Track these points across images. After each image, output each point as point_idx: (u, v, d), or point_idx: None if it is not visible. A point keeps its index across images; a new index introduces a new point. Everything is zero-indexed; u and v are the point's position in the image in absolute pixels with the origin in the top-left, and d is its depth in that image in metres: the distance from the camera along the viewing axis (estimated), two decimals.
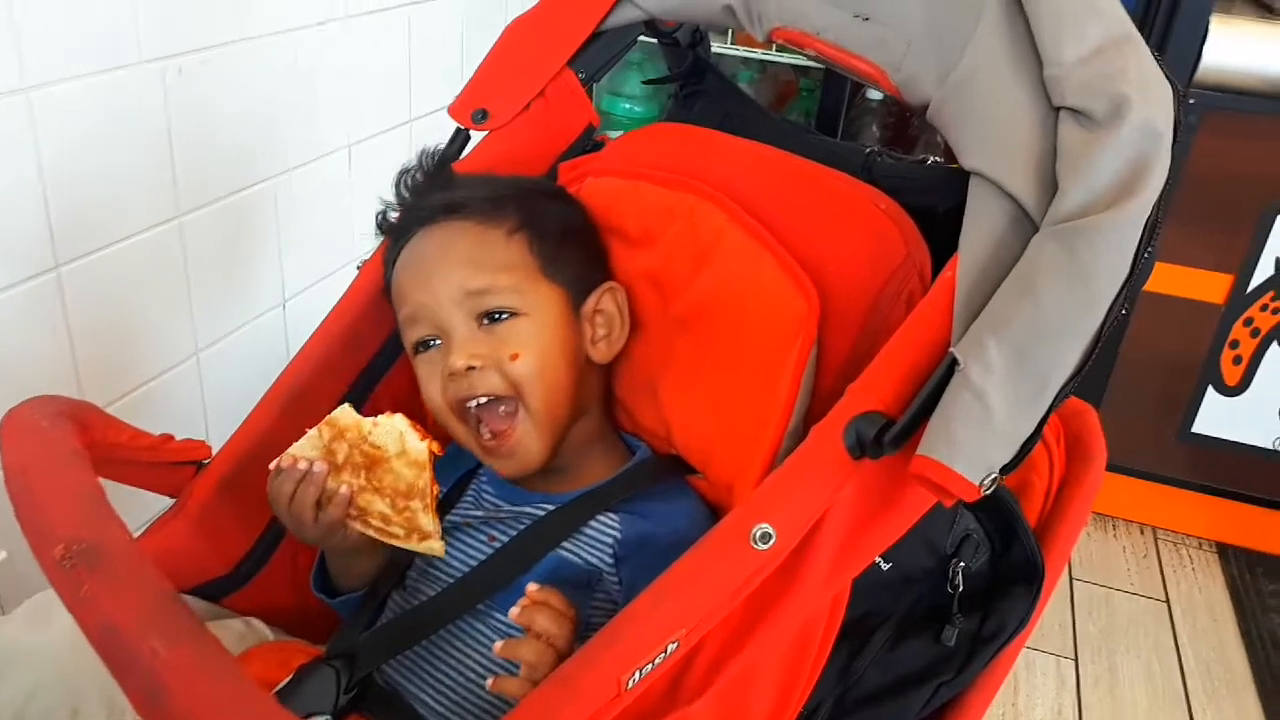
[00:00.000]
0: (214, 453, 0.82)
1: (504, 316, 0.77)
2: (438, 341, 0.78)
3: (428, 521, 0.74)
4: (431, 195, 0.82)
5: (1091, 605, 1.79)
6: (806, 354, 0.70)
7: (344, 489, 0.74)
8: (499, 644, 0.65)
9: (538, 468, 0.79)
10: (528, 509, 0.79)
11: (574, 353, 0.80)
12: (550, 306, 0.79)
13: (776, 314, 0.72)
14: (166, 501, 0.81)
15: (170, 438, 0.79)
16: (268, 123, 1.27)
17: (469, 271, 0.77)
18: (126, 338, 1.13)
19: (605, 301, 0.82)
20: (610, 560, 0.75)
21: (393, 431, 0.73)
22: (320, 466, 0.74)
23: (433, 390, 0.78)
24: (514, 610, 0.66)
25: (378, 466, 0.74)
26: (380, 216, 0.85)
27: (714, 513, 0.79)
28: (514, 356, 0.76)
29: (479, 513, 0.82)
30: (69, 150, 0.99)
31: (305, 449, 0.74)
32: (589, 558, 0.75)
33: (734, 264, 0.77)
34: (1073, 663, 1.66)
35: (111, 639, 0.49)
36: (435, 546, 0.75)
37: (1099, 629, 1.74)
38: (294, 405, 0.84)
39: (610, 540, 0.76)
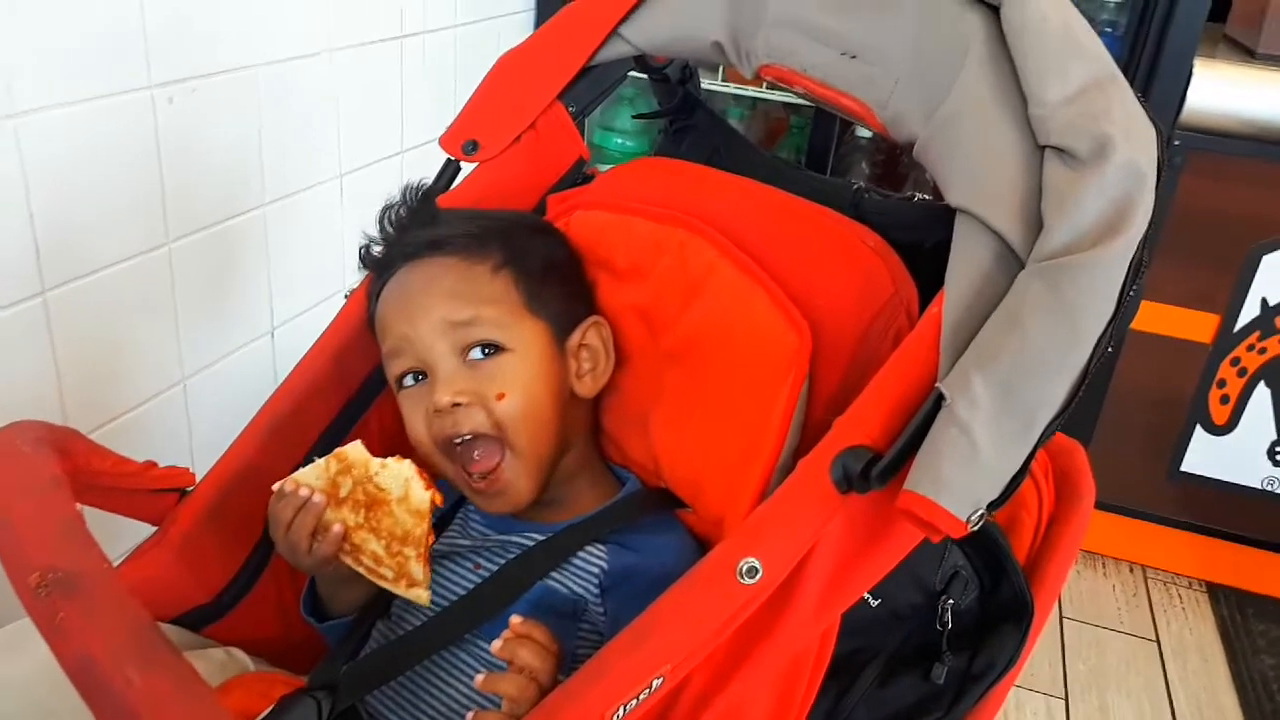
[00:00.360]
0: (198, 480, 0.81)
1: (489, 352, 0.77)
2: (422, 377, 0.78)
3: (418, 570, 0.73)
4: (416, 231, 0.82)
5: (1081, 644, 1.78)
6: (798, 388, 0.70)
7: (337, 526, 0.73)
8: (480, 677, 0.65)
9: (526, 505, 0.78)
10: (515, 538, 0.79)
11: (559, 388, 0.80)
12: (535, 341, 0.79)
13: (768, 348, 0.72)
14: (148, 530, 0.81)
15: (153, 464, 0.79)
16: (258, 152, 1.27)
17: (454, 304, 0.77)
18: (112, 363, 1.12)
19: (590, 336, 0.82)
20: (596, 591, 0.75)
21: (399, 477, 0.73)
22: (319, 498, 0.73)
23: (417, 426, 0.78)
24: (496, 643, 0.65)
25: (378, 508, 0.73)
26: (364, 250, 0.85)
27: (702, 547, 0.79)
28: (500, 396, 0.76)
29: (466, 541, 0.81)
30: (57, 176, 0.99)
31: (309, 477, 0.74)
32: (575, 587, 0.75)
33: (725, 298, 0.77)
34: (1063, 702, 1.65)
35: (86, 668, 0.48)
36: (422, 595, 0.74)
37: (1089, 668, 1.73)
38: (279, 434, 0.84)
39: (597, 570, 0.76)
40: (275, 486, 0.75)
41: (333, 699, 0.68)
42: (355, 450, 0.73)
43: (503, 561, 0.77)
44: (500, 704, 0.65)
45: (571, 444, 0.82)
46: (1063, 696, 1.66)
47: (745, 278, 0.75)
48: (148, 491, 0.79)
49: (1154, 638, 1.81)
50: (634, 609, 0.69)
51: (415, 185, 0.87)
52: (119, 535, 0.84)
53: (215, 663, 0.79)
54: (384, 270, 0.82)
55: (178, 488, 0.80)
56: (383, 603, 0.80)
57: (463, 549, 0.81)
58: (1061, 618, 1.84)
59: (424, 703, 0.74)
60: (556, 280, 0.82)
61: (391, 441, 0.93)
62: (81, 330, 1.06)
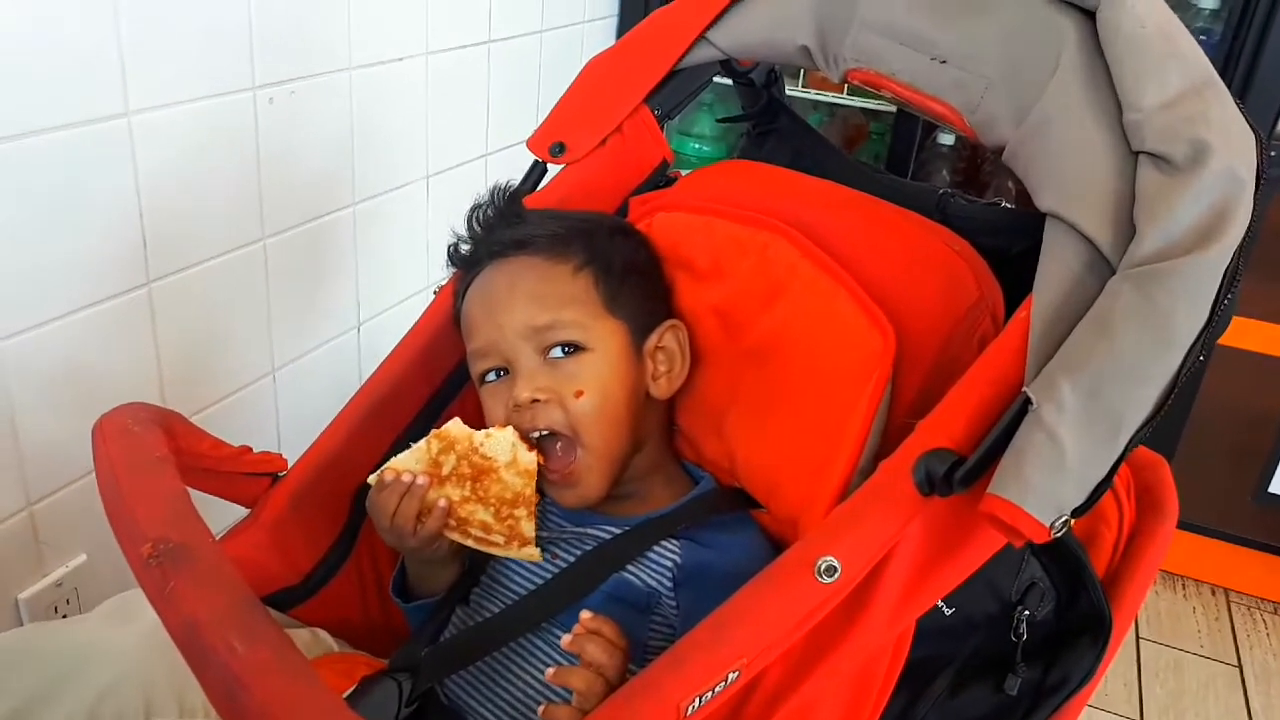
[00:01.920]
0: (290, 466, 0.84)
1: (569, 351, 0.79)
2: (504, 373, 0.80)
3: (529, 528, 0.77)
4: (501, 230, 0.84)
5: (1159, 667, 1.73)
6: (881, 391, 0.70)
7: (442, 502, 0.76)
8: (550, 671, 0.66)
9: (597, 500, 0.80)
10: (590, 530, 0.81)
11: (635, 388, 0.81)
12: (613, 342, 0.80)
13: (851, 350, 0.72)
14: (232, 515, 0.84)
15: (248, 449, 0.82)
16: (350, 152, 1.31)
17: (535, 308, 0.79)
18: (208, 353, 1.17)
19: (667, 338, 0.83)
20: (669, 584, 0.76)
21: (504, 442, 0.76)
22: (423, 480, 0.76)
23: (497, 419, 0.80)
24: (566, 638, 0.66)
25: (485, 476, 0.76)
26: (452, 248, 0.87)
27: (776, 547, 0.79)
28: (578, 394, 0.77)
29: (544, 533, 0.83)
30: (165, 172, 1.04)
31: (408, 462, 0.77)
32: (649, 580, 0.76)
33: (807, 300, 0.77)
34: None
35: (193, 635, 0.50)
36: (534, 553, 0.78)
37: (1167, 692, 1.68)
38: (368, 424, 0.86)
39: (670, 564, 0.77)
40: (372, 478, 0.78)
41: (413, 681, 0.71)
42: (456, 427, 0.77)
43: (578, 553, 0.79)
44: (571, 697, 0.66)
45: (645, 442, 0.83)
46: (1138, 718, 1.62)
47: (828, 279, 0.76)
48: (242, 475, 0.82)
49: (1236, 663, 1.76)
50: (706, 604, 0.71)
51: (503, 186, 0.89)
52: (209, 518, 0.88)
53: (301, 642, 0.82)
54: (470, 268, 0.85)
55: (271, 472, 0.83)
56: (464, 589, 0.82)
57: (540, 540, 0.83)
58: (1139, 639, 1.79)
59: (500, 688, 0.76)
60: (636, 282, 0.83)
61: None
62: (181, 320, 1.11)
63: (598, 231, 0.84)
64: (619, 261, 0.83)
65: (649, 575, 0.76)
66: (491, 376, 0.81)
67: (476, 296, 0.82)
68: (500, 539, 0.77)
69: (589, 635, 0.66)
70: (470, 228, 0.87)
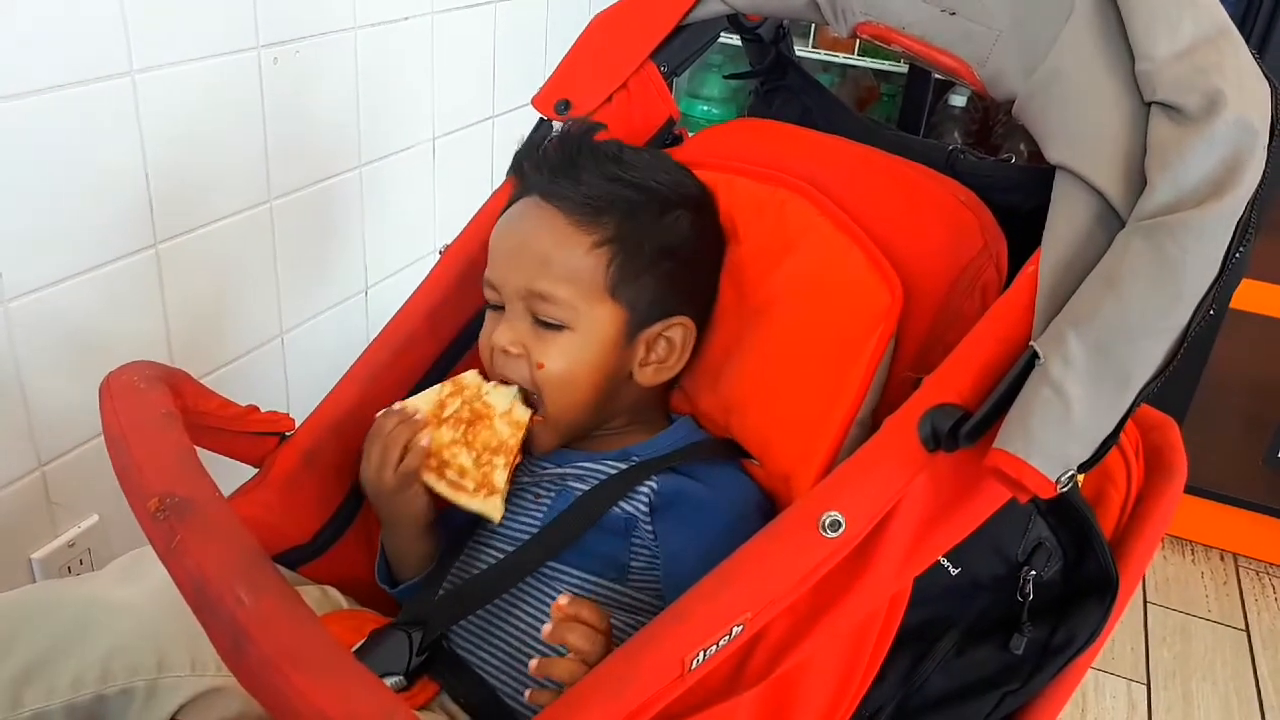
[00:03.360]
0: (298, 425, 0.85)
1: (553, 325, 0.79)
2: (501, 307, 0.82)
3: (501, 478, 0.78)
4: (555, 167, 0.81)
5: (1166, 631, 1.74)
6: (885, 345, 0.70)
7: (425, 439, 0.79)
8: (534, 662, 0.66)
9: (547, 451, 0.83)
10: (569, 469, 0.82)
11: (611, 372, 0.81)
12: (601, 327, 0.80)
13: (858, 304, 0.72)
14: (239, 475, 0.84)
15: (256, 409, 0.82)
16: (356, 114, 1.30)
17: (538, 272, 0.78)
18: (216, 315, 1.17)
19: (673, 332, 0.83)
20: (645, 510, 0.77)
21: (507, 394, 0.80)
22: (423, 413, 0.79)
23: (484, 341, 0.83)
24: (546, 628, 0.66)
25: (479, 421, 0.79)
26: (516, 161, 0.86)
27: (765, 494, 0.80)
28: (539, 365, 0.79)
29: (526, 478, 0.84)
30: (170, 133, 1.04)
31: (420, 402, 0.80)
32: (625, 508, 0.78)
33: (819, 255, 0.77)
34: (1144, 688, 1.61)
35: (200, 588, 0.51)
36: (496, 504, 0.79)
37: (1173, 655, 1.69)
38: (375, 383, 0.87)
39: (646, 492, 0.78)
40: (380, 413, 0.80)
41: (422, 631, 0.71)
42: (471, 375, 0.81)
43: (558, 490, 0.81)
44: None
45: (618, 412, 0.84)
46: (1145, 682, 1.62)
47: (842, 235, 0.75)
48: (250, 434, 0.82)
49: (1244, 627, 1.76)
50: (682, 526, 0.75)
51: (580, 120, 0.88)
52: (216, 478, 0.88)
53: (311, 599, 0.82)
54: (520, 187, 0.84)
55: (278, 431, 0.84)
56: (458, 550, 0.83)
57: (523, 484, 0.84)
58: (1146, 602, 1.80)
59: (501, 631, 0.77)
60: (667, 269, 0.81)
61: None
62: (189, 282, 1.11)
63: (647, 206, 0.81)
64: (654, 244, 0.80)
65: (625, 503, 0.78)
66: (493, 303, 0.83)
67: (504, 229, 0.83)
68: (471, 485, 0.79)
69: (569, 624, 0.66)
70: (531, 154, 0.84)
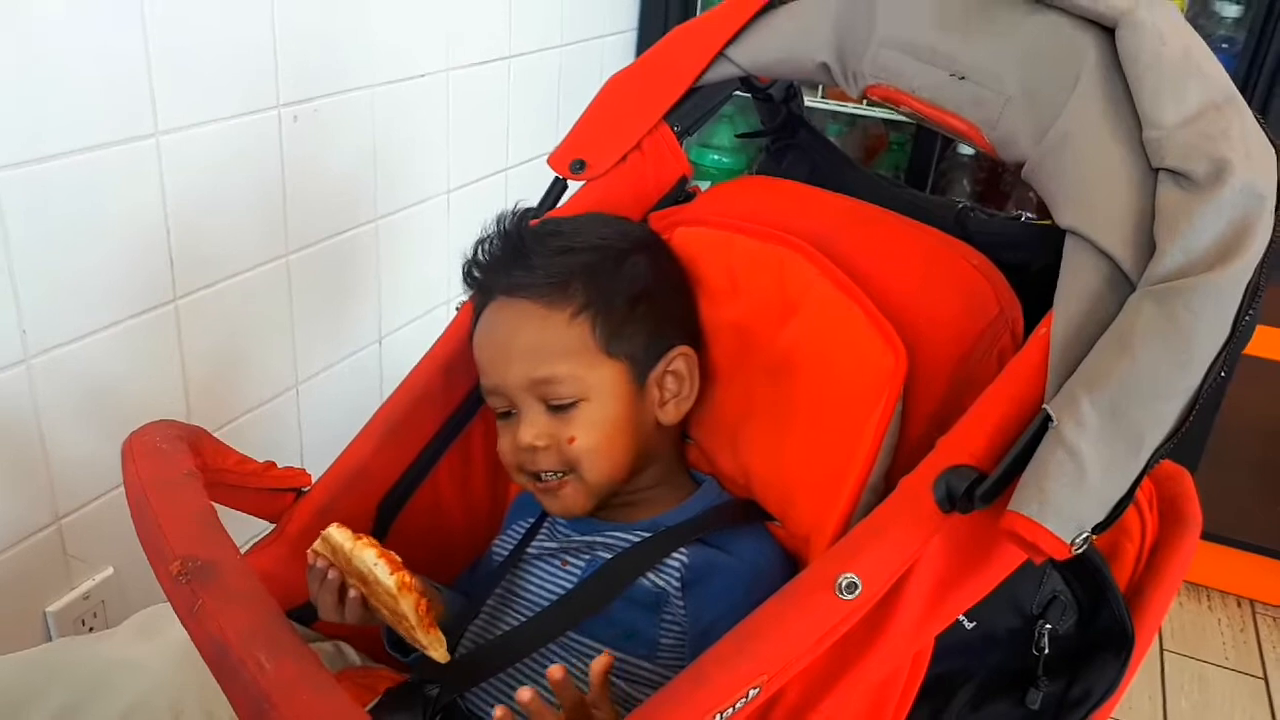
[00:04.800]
0: (314, 480, 0.85)
1: (568, 405, 0.79)
2: (513, 413, 0.82)
3: (423, 638, 0.69)
4: (506, 266, 0.83)
5: (1184, 679, 1.72)
6: (891, 409, 0.70)
7: (352, 593, 0.72)
8: (526, 693, 0.63)
9: (581, 514, 0.82)
10: (598, 538, 0.82)
11: (637, 422, 0.82)
12: (611, 385, 0.80)
13: (863, 367, 0.73)
14: (254, 528, 0.85)
15: (273, 465, 0.83)
16: (373, 168, 1.32)
17: (533, 361, 0.79)
18: (233, 367, 1.18)
19: (676, 364, 0.83)
20: (677, 584, 0.77)
21: (365, 562, 0.68)
22: (334, 574, 0.73)
23: (505, 450, 0.83)
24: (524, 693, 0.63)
25: (371, 584, 0.70)
26: (465, 272, 0.87)
27: (790, 559, 0.80)
28: (570, 440, 0.79)
29: (553, 544, 0.85)
30: (192, 190, 1.05)
31: (321, 548, 0.72)
32: (657, 581, 0.77)
33: (822, 317, 0.77)
34: None
35: (221, 652, 0.51)
36: (436, 644, 0.70)
37: (1191, 704, 1.66)
38: (391, 438, 0.87)
39: (678, 565, 0.77)
40: (309, 554, 0.73)
41: (439, 691, 0.71)
42: (336, 532, 0.70)
43: (586, 559, 0.80)
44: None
45: (652, 462, 0.84)
46: None
47: (843, 296, 0.76)
48: (268, 490, 0.83)
49: (1262, 675, 1.74)
50: (712, 601, 0.74)
51: (513, 212, 0.88)
52: (233, 533, 0.89)
53: (325, 655, 0.83)
54: (482, 294, 0.85)
55: (295, 487, 0.84)
56: (473, 612, 0.83)
57: (551, 550, 0.84)
58: (1163, 651, 1.78)
59: None
60: (645, 311, 0.82)
61: (495, 449, 0.97)
62: (207, 336, 1.12)
63: (602, 265, 0.82)
64: (625, 295, 0.81)
65: (657, 576, 0.77)
66: (502, 413, 0.83)
67: (483, 337, 0.84)
68: (410, 624, 0.69)
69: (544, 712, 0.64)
70: (476, 258, 0.86)
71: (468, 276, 0.87)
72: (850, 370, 0.74)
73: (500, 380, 0.81)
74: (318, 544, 0.72)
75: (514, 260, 0.82)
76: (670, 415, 0.83)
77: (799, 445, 0.78)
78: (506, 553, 0.87)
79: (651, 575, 0.77)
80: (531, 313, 0.80)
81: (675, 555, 0.78)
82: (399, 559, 0.69)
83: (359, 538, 0.69)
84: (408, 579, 0.69)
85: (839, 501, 0.70)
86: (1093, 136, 0.63)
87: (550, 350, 0.79)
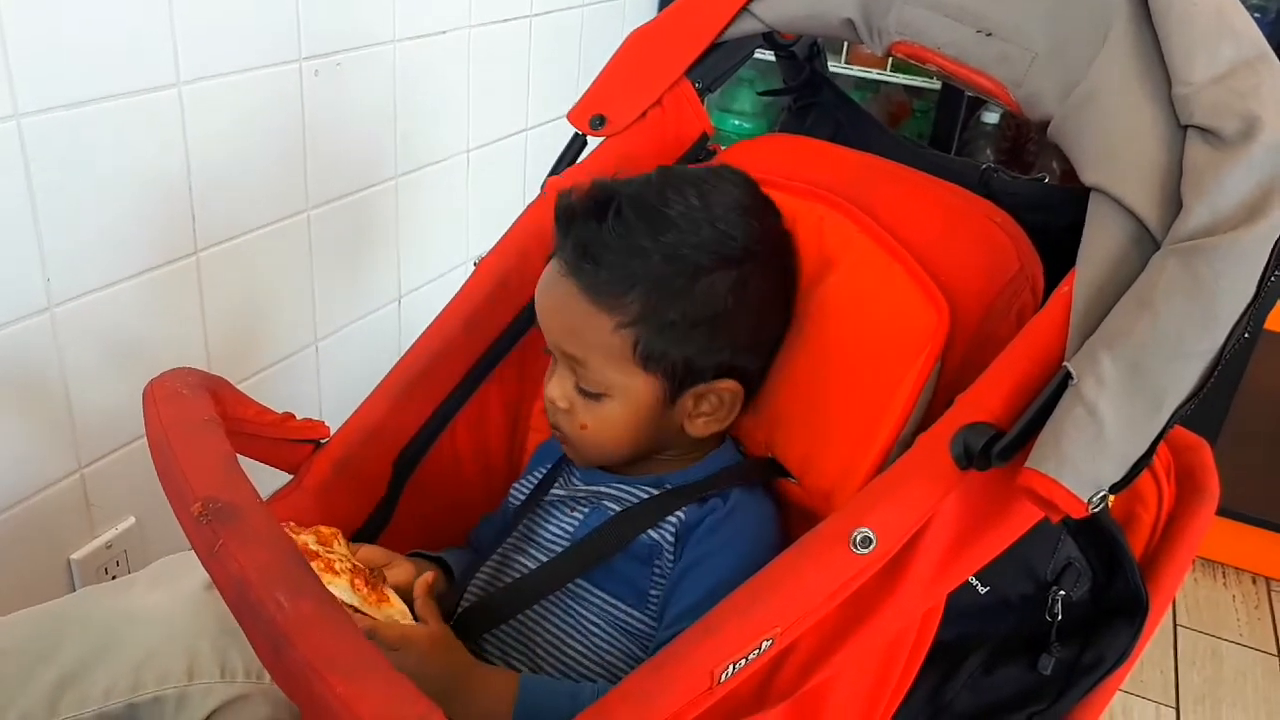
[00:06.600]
0: (331, 434, 0.86)
1: (592, 392, 0.77)
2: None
3: (374, 613, 0.71)
4: (576, 238, 0.76)
5: (1196, 654, 1.72)
6: (931, 366, 0.70)
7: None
8: None
9: (583, 467, 0.84)
10: (603, 488, 0.83)
11: (658, 426, 0.79)
12: (640, 396, 0.77)
13: (904, 324, 0.72)
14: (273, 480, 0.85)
15: (291, 416, 0.83)
16: (393, 126, 1.32)
17: (572, 341, 0.77)
18: (253, 322, 1.19)
19: (721, 394, 0.79)
20: (670, 538, 0.77)
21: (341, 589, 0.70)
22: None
23: (545, 384, 0.81)
24: None
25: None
26: (559, 207, 0.79)
27: (804, 518, 0.80)
28: (583, 425, 0.78)
29: (563, 491, 0.85)
30: (214, 143, 1.06)
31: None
32: (652, 534, 0.77)
33: (862, 273, 0.76)
34: (1174, 711, 1.59)
35: (241, 592, 0.52)
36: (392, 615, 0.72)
37: (1204, 679, 1.66)
38: (408, 393, 0.87)
39: (674, 521, 0.77)
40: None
41: None
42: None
43: (587, 509, 0.81)
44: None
45: (668, 446, 0.82)
46: (1174, 706, 1.60)
47: (884, 253, 0.75)
48: (286, 440, 0.83)
49: (1275, 652, 1.73)
50: (700, 557, 0.75)
51: (608, 186, 0.77)
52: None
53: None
54: (557, 236, 0.79)
55: (313, 439, 0.85)
56: (480, 562, 0.84)
57: (561, 498, 0.85)
58: (1176, 625, 1.78)
59: (529, 643, 0.77)
60: (703, 333, 0.75)
61: (512, 407, 0.97)
62: (228, 290, 1.13)
63: (674, 279, 0.74)
64: (686, 316, 0.74)
65: (654, 530, 0.77)
66: (548, 350, 0.82)
67: (542, 285, 0.80)
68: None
69: None
70: (561, 219, 0.79)
71: (560, 214, 0.79)
72: (889, 326, 0.73)
73: (546, 331, 0.80)
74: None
75: (587, 240, 0.75)
76: (699, 430, 0.80)
77: (828, 400, 0.76)
78: (523, 497, 0.88)
79: (651, 531, 0.77)
80: (580, 301, 0.75)
81: (676, 514, 0.78)
82: (333, 558, 0.71)
83: (298, 531, 0.73)
84: (333, 563, 0.71)
85: (867, 457, 0.70)
86: (1120, 93, 0.62)
87: (587, 343, 0.76)
